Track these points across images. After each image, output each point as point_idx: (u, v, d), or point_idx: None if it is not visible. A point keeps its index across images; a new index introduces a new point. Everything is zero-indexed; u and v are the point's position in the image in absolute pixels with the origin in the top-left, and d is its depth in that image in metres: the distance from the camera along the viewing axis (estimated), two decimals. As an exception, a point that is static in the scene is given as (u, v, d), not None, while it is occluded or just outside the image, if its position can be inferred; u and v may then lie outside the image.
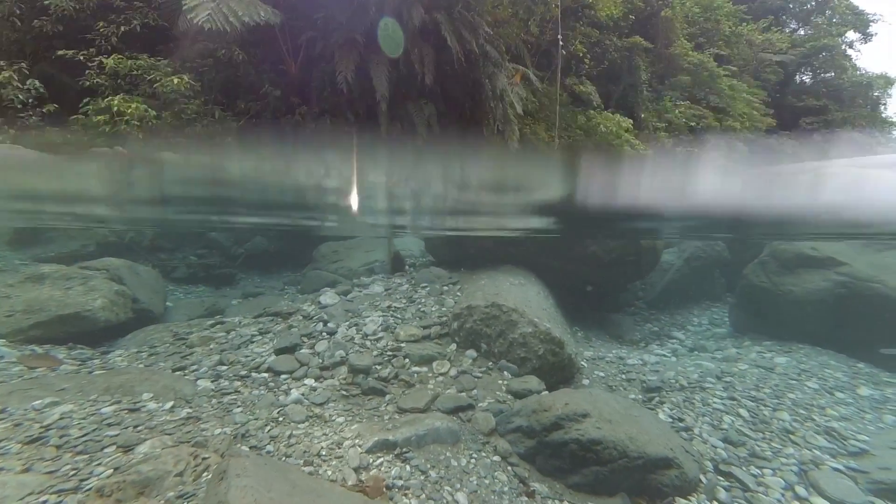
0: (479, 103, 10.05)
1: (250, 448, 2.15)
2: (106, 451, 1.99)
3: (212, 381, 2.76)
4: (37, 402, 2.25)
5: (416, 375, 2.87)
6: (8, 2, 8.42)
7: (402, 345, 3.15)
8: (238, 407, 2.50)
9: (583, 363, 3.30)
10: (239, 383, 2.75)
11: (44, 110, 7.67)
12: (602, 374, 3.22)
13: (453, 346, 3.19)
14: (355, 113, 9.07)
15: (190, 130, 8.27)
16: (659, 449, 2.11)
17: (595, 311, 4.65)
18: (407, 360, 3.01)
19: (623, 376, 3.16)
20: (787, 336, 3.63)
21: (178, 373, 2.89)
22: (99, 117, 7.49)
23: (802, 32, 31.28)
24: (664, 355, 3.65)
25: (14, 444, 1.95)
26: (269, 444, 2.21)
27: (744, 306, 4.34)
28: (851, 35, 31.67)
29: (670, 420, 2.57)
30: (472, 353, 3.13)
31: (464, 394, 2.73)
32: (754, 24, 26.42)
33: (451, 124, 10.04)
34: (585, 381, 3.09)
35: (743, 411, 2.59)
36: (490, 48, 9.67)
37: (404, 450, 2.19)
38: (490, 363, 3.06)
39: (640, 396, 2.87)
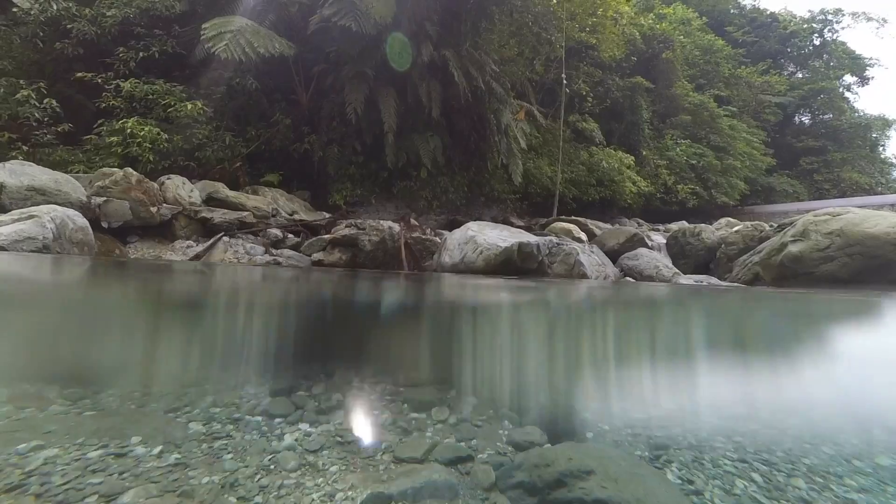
0: (484, 137, 10.27)
1: (238, 499, 2.04)
2: (87, 500, 1.89)
3: (203, 425, 2.67)
4: (21, 445, 2.16)
5: (414, 422, 2.78)
6: (31, 24, 8.72)
7: (401, 389, 3.07)
8: (229, 453, 2.40)
9: (586, 415, 3.20)
10: (231, 427, 2.66)
11: (58, 129, 7.81)
12: (606, 427, 3.11)
13: (453, 392, 3.11)
14: (363, 143, 9.25)
15: (200, 154, 8.42)
16: (668, 516, 2.00)
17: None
18: (405, 405, 2.92)
19: (628, 430, 3.05)
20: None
21: (169, 414, 2.79)
22: (112, 138, 7.64)
23: (800, 75, 32.27)
24: (670, 409, 3.54)
25: (-8, 492, 1.86)
26: (257, 494, 2.10)
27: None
28: (849, 78, 32.64)
29: (679, 482, 2.46)
30: (472, 399, 3.04)
31: (463, 444, 2.63)
32: (753, 66, 27.30)
33: (456, 157, 10.21)
34: (589, 434, 2.98)
35: (756, 476, 2.48)
36: (496, 85, 9.95)
37: (399, 505, 2.08)
38: (490, 411, 2.96)
39: (647, 453, 2.76)
